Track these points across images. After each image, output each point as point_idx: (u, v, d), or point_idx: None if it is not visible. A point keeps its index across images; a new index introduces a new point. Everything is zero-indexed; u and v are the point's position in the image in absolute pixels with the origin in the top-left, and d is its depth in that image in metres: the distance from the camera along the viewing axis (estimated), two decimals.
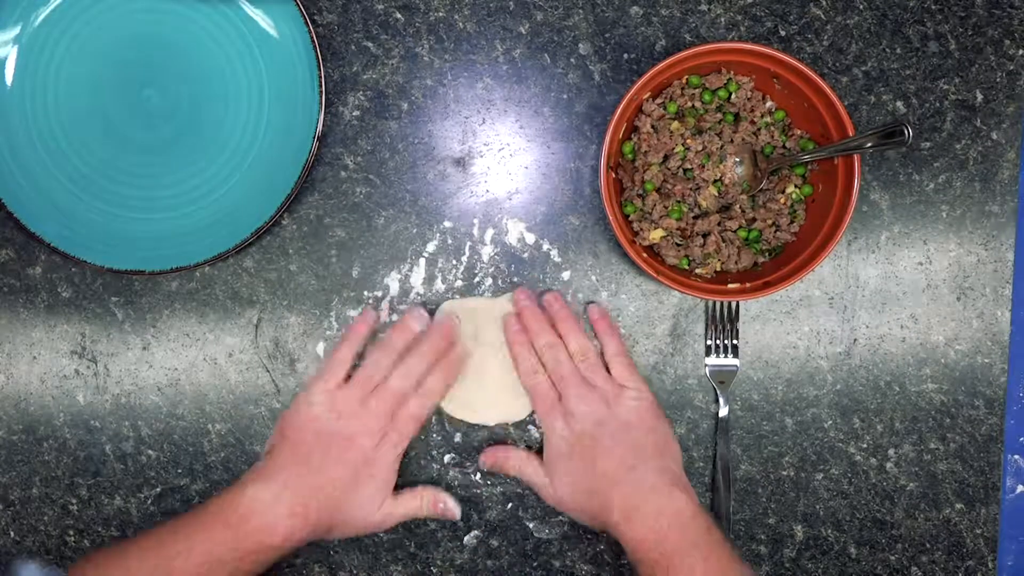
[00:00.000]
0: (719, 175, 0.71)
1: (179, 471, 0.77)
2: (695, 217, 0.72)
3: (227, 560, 0.64)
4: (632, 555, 0.65)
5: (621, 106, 0.68)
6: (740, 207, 0.72)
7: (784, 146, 0.72)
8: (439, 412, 0.76)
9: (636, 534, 0.64)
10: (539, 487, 0.71)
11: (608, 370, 0.72)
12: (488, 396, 0.74)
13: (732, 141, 0.72)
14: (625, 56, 0.76)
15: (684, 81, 0.72)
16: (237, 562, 0.64)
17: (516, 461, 0.72)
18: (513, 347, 0.72)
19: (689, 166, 0.71)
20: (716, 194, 0.71)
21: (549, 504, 0.71)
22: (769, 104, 0.72)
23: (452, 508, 0.73)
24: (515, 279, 0.76)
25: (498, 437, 0.76)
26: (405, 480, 0.76)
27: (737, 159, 0.71)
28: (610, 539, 0.76)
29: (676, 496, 0.65)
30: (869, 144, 0.64)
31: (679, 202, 0.71)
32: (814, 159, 0.69)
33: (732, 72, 0.71)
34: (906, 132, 0.61)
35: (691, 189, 0.71)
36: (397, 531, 0.76)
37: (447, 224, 0.76)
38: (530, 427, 0.76)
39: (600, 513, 0.67)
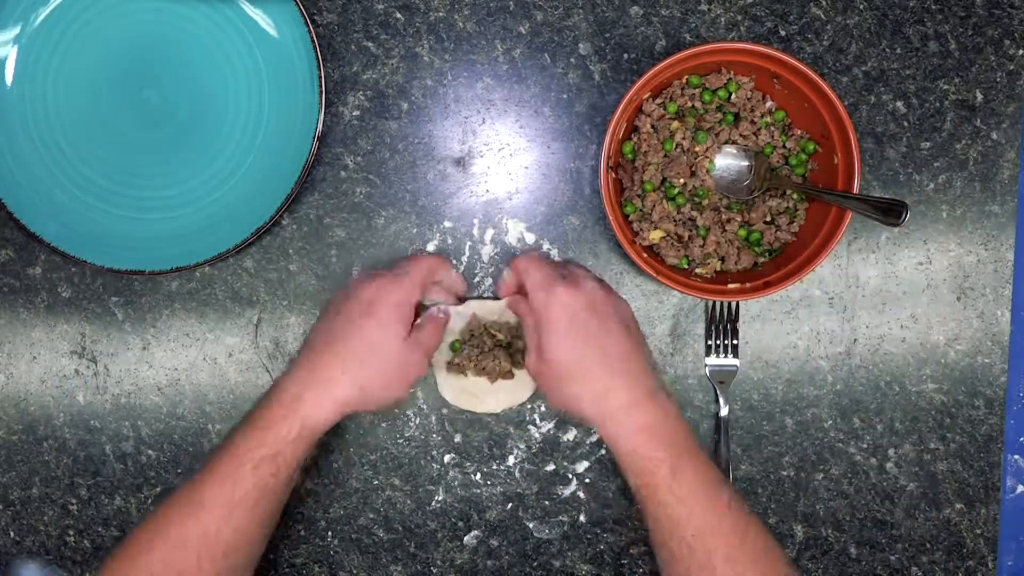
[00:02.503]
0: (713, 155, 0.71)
1: (179, 471, 0.77)
2: (694, 209, 0.72)
3: (271, 453, 0.63)
4: (628, 446, 0.63)
5: (621, 106, 0.68)
6: (738, 204, 0.72)
7: (784, 146, 0.72)
8: (446, 406, 0.76)
9: (640, 423, 0.63)
10: (530, 345, 0.68)
11: None
12: (492, 385, 0.75)
13: (731, 140, 0.72)
14: (625, 56, 0.76)
15: (684, 81, 0.72)
16: (284, 454, 0.63)
17: (520, 306, 0.70)
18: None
19: (687, 146, 0.71)
20: (712, 177, 0.71)
21: (530, 373, 0.68)
22: (769, 104, 0.72)
23: (446, 309, 0.73)
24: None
25: (498, 436, 0.76)
26: (406, 475, 0.76)
27: (736, 153, 0.71)
28: (610, 539, 0.76)
29: (673, 402, 0.65)
30: (869, 213, 0.64)
31: (678, 192, 0.71)
32: (809, 192, 0.70)
33: (732, 72, 0.71)
34: (904, 215, 0.62)
35: (691, 171, 0.71)
36: (397, 531, 0.76)
37: (447, 224, 0.76)
38: (530, 427, 0.76)
39: (592, 397, 0.64)
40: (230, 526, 0.62)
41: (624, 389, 0.64)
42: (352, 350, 0.66)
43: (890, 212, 0.63)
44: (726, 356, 0.76)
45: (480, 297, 0.76)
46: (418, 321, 0.70)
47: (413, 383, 0.69)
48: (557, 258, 0.76)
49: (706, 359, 0.76)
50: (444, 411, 0.76)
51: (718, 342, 0.76)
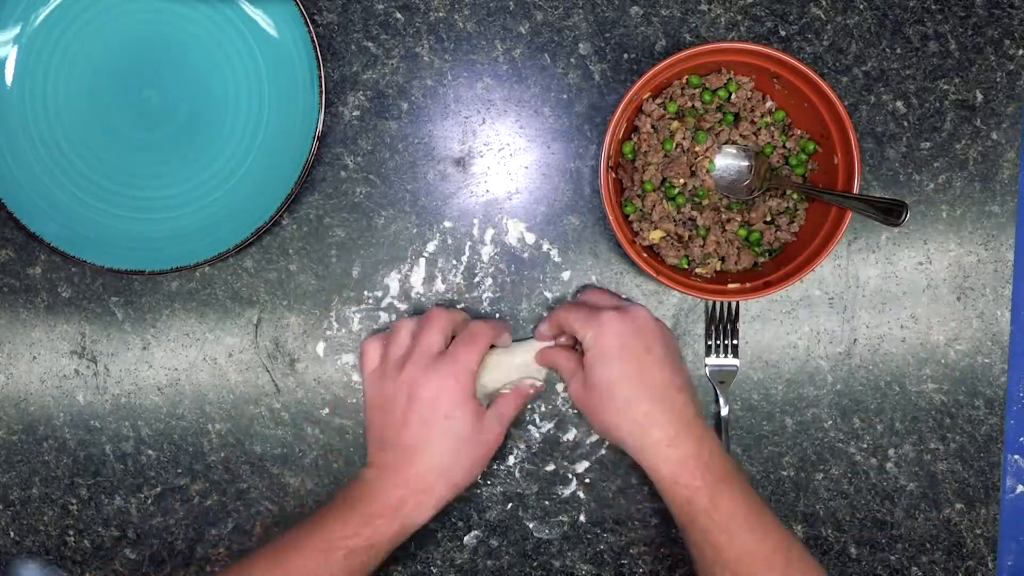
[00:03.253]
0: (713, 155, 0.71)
1: (179, 471, 0.77)
2: (694, 209, 0.72)
3: (369, 546, 0.65)
4: (669, 476, 0.64)
5: (621, 106, 0.68)
6: (738, 204, 0.72)
7: (784, 146, 0.72)
8: None
9: (680, 455, 0.64)
10: (570, 379, 0.70)
11: None
12: (493, 387, 0.74)
13: (731, 140, 0.72)
14: (625, 56, 0.76)
15: (684, 81, 0.72)
16: (378, 546, 0.65)
17: (561, 359, 0.71)
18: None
19: (687, 146, 0.71)
20: (712, 177, 0.71)
21: (572, 398, 0.70)
22: (769, 104, 0.72)
23: (532, 384, 0.73)
24: (515, 279, 0.76)
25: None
26: None
27: (737, 153, 0.71)
28: (610, 539, 0.76)
29: (711, 432, 0.67)
30: (869, 213, 0.64)
31: (678, 192, 0.71)
32: (809, 192, 0.70)
33: (732, 72, 0.71)
34: (904, 215, 0.62)
35: (691, 171, 0.71)
36: None
37: (447, 224, 0.76)
38: (530, 427, 0.76)
39: (632, 426, 0.66)
40: None
41: (664, 420, 0.65)
42: (442, 453, 0.67)
43: (890, 212, 0.63)
44: (726, 356, 0.76)
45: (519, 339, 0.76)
46: (500, 395, 0.72)
47: (492, 454, 0.70)
48: (557, 259, 0.76)
49: (706, 359, 0.76)
50: None
51: (718, 342, 0.76)
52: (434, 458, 0.66)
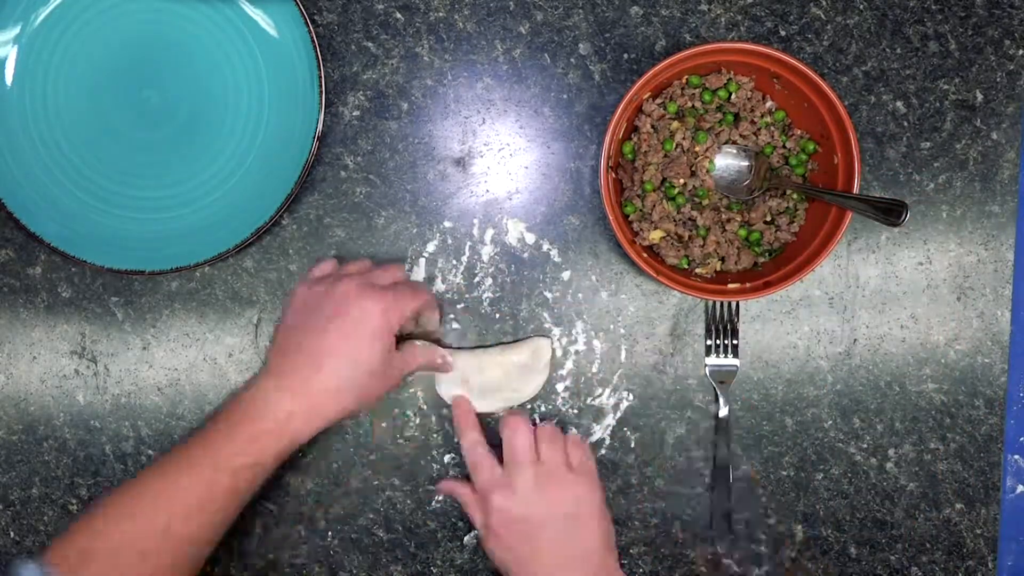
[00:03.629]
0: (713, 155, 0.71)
1: None
2: (694, 209, 0.72)
3: (258, 461, 0.64)
4: None
5: (621, 106, 0.68)
6: (738, 204, 0.72)
7: (784, 146, 0.72)
8: (447, 406, 0.76)
9: None
10: (479, 528, 0.70)
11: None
12: (492, 387, 0.75)
13: (731, 140, 0.72)
14: (625, 56, 0.76)
15: (684, 81, 0.72)
16: (264, 463, 0.64)
17: (465, 498, 0.71)
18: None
19: (687, 146, 0.71)
20: (712, 177, 0.71)
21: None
22: (769, 104, 0.72)
23: (443, 356, 0.73)
24: (515, 279, 0.76)
25: (499, 436, 0.76)
26: (406, 475, 0.76)
27: (736, 153, 0.71)
28: None
29: None
30: (869, 213, 0.64)
31: (678, 192, 0.71)
32: (809, 192, 0.70)
33: (732, 72, 0.71)
34: (904, 215, 0.62)
35: (691, 171, 0.71)
36: (397, 531, 0.76)
37: (447, 224, 0.76)
38: (534, 416, 0.76)
39: None
40: (196, 522, 0.63)
41: None
42: (346, 366, 0.66)
43: (890, 212, 0.63)
44: (726, 356, 0.76)
45: (471, 347, 0.76)
46: (413, 344, 0.72)
47: (383, 396, 0.70)
48: (557, 259, 0.76)
49: (706, 359, 0.76)
50: (444, 411, 0.76)
51: (718, 342, 0.76)
52: (336, 377, 0.65)
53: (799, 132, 0.72)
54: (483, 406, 0.75)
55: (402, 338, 0.73)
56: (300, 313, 0.68)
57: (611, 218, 0.68)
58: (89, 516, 0.63)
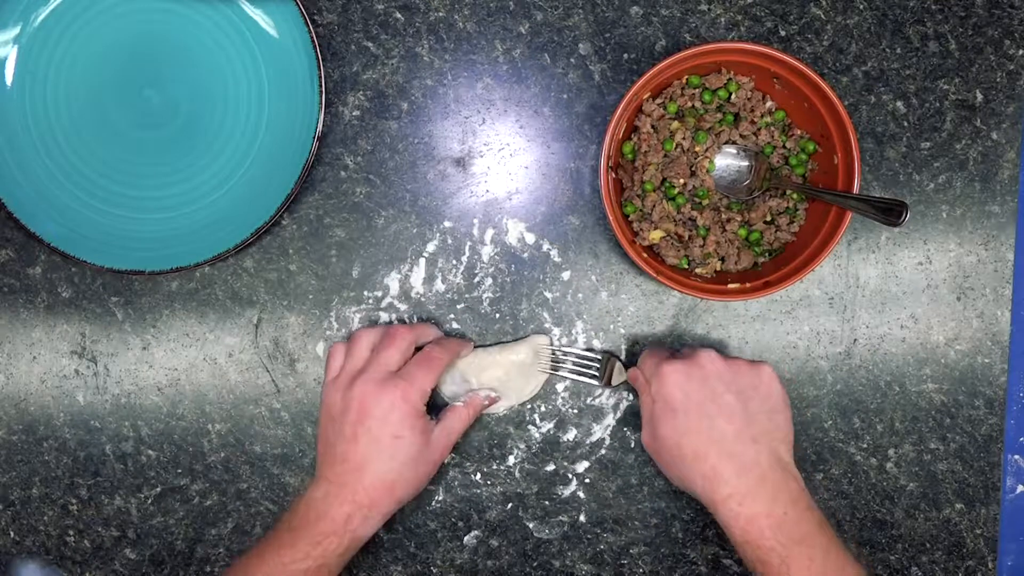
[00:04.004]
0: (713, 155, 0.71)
1: (179, 471, 0.77)
2: (694, 209, 0.72)
3: (321, 564, 0.65)
4: (740, 535, 0.62)
5: (621, 106, 0.68)
6: (738, 204, 0.72)
7: (784, 146, 0.72)
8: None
9: (750, 513, 0.61)
10: (643, 425, 0.68)
11: None
12: (491, 387, 0.75)
13: (731, 140, 0.72)
14: (625, 56, 0.76)
15: (684, 81, 0.72)
16: (329, 565, 0.65)
17: (638, 381, 0.70)
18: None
19: (687, 146, 0.71)
20: (712, 177, 0.71)
21: (645, 446, 0.69)
22: (769, 104, 0.72)
23: (487, 396, 0.74)
24: (515, 279, 0.76)
25: (498, 436, 0.76)
26: None
27: (737, 153, 0.71)
28: (610, 539, 0.76)
29: (792, 484, 0.63)
30: (869, 213, 0.64)
31: (678, 192, 0.71)
32: (809, 192, 0.70)
33: (732, 72, 0.71)
34: (904, 215, 0.62)
35: (691, 171, 0.71)
36: (397, 531, 0.76)
37: (447, 224, 0.76)
38: (530, 427, 0.76)
39: (702, 481, 0.63)
40: None
41: (733, 474, 0.62)
42: (385, 465, 0.66)
43: (890, 212, 0.63)
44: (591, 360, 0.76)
45: (484, 345, 0.76)
46: (451, 407, 0.72)
47: (435, 470, 0.71)
48: (557, 259, 0.76)
49: (600, 387, 0.76)
50: None
51: (570, 366, 0.76)
52: (381, 475, 0.66)
53: (799, 132, 0.72)
54: (495, 407, 0.75)
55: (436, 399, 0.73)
56: (330, 422, 0.69)
57: (611, 218, 0.68)
58: None
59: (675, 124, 0.71)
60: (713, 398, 0.64)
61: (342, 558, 0.66)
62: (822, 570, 0.60)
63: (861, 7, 0.76)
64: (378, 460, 0.66)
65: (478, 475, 0.76)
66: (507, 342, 0.76)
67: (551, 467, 0.77)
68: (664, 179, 0.72)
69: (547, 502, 0.77)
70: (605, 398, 0.76)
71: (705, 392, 0.65)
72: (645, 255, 0.70)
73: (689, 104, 0.71)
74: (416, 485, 0.69)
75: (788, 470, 0.64)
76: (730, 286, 0.70)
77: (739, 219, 0.72)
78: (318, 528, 0.65)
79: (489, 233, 0.76)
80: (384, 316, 0.76)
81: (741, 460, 0.63)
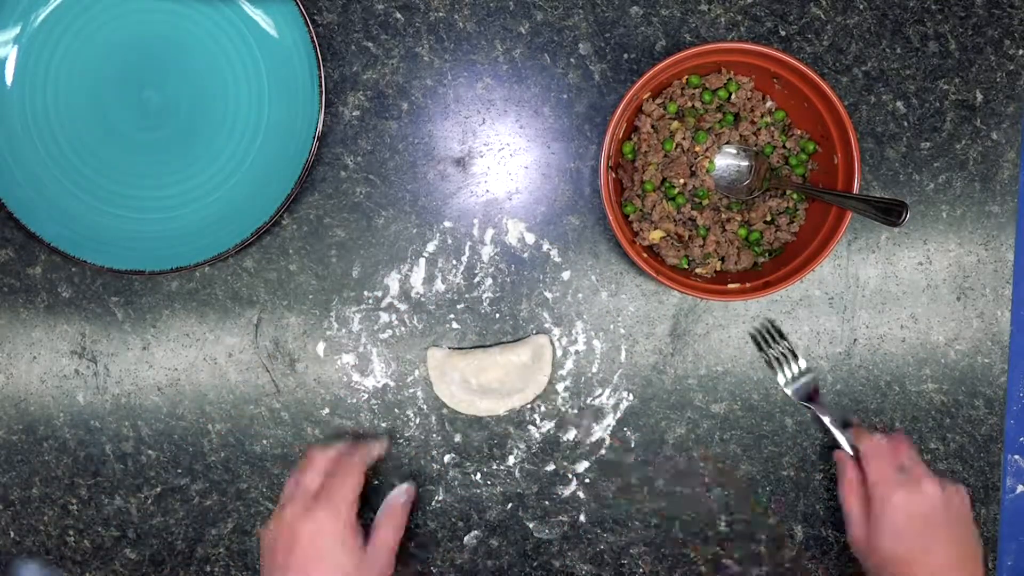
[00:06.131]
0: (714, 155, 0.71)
1: (179, 471, 0.77)
2: (694, 209, 0.72)
3: None
4: None
5: (621, 106, 0.68)
6: (738, 204, 0.72)
7: (784, 146, 0.72)
8: (446, 406, 0.76)
9: None
10: (853, 524, 0.71)
11: None
12: (492, 387, 0.75)
13: (731, 140, 0.72)
14: (625, 56, 0.76)
15: (684, 81, 0.72)
16: None
17: (849, 492, 0.72)
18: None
19: (687, 146, 0.71)
20: (712, 177, 0.71)
21: (852, 542, 0.71)
22: (769, 104, 0.72)
23: (406, 491, 0.72)
24: (515, 279, 0.76)
25: (498, 436, 0.76)
26: (406, 475, 0.76)
27: (736, 153, 0.71)
28: (610, 539, 0.76)
29: None
30: (869, 213, 0.64)
31: (678, 192, 0.71)
32: (809, 192, 0.70)
33: (732, 72, 0.71)
34: (904, 215, 0.62)
35: (691, 171, 0.71)
36: None
37: (447, 224, 0.76)
38: (530, 427, 0.76)
39: None
40: None
41: None
42: None
43: (890, 212, 0.63)
44: (794, 363, 0.76)
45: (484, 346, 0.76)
46: (378, 518, 0.70)
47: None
48: (557, 259, 0.76)
49: (781, 385, 0.76)
50: (444, 411, 0.76)
51: (777, 354, 0.76)
52: None
53: (799, 132, 0.72)
54: (483, 406, 0.75)
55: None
56: (267, 555, 0.67)
57: (611, 218, 0.68)
58: None
59: (675, 124, 0.71)
60: (934, 531, 0.68)
61: None
62: None
63: (861, 7, 0.76)
64: None
65: (478, 475, 0.77)
66: (508, 342, 0.76)
67: (551, 467, 0.77)
68: (664, 179, 0.72)
69: (547, 502, 0.77)
70: (605, 398, 0.76)
71: (927, 523, 0.68)
72: (645, 255, 0.70)
73: (689, 104, 0.71)
74: None
75: None
76: (730, 286, 0.70)
77: (739, 219, 0.72)
78: None
79: (489, 233, 0.76)
80: (384, 316, 0.76)
81: None
